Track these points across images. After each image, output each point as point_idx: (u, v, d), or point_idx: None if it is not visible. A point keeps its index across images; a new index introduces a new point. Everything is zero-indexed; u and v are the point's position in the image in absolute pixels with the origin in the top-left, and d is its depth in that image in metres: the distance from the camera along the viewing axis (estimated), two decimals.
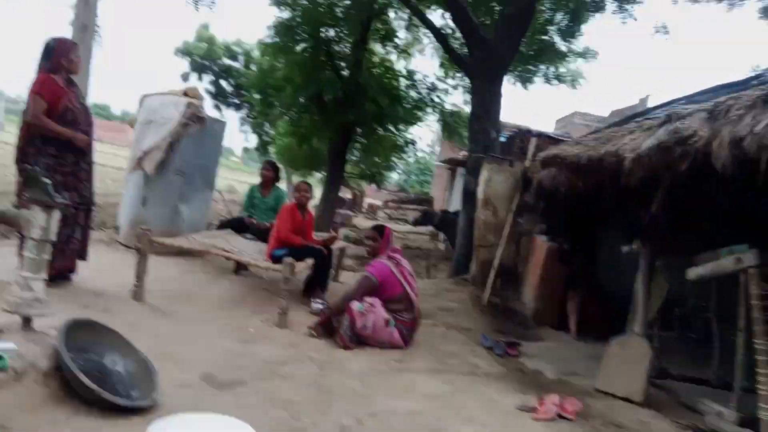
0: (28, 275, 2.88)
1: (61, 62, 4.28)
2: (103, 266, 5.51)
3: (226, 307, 5.16)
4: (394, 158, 18.18)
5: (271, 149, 26.12)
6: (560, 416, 3.76)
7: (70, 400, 2.71)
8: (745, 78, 6.02)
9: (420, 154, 25.59)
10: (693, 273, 4.10)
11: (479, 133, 8.55)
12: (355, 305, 4.61)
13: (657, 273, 4.91)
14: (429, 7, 11.39)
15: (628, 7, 11.20)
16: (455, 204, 14.79)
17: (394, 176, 35.01)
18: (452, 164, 18.84)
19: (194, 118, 6.25)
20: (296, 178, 20.00)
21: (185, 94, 6.45)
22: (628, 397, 4.34)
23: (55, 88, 4.22)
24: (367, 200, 27.62)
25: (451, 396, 3.93)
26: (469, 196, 8.36)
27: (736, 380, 3.92)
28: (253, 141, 26.52)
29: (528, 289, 6.85)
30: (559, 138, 17.10)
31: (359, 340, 4.65)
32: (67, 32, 10.00)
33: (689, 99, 6.03)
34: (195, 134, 6.41)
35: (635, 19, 11.44)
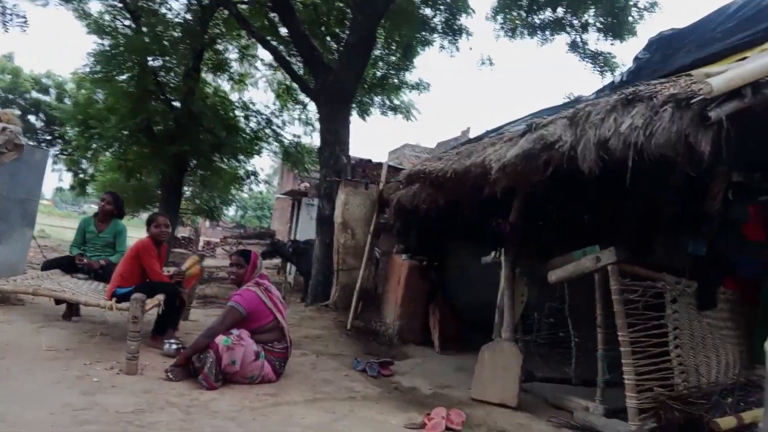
0: None
1: None
2: None
3: (60, 357, 4.37)
4: (234, 190, 17.52)
5: (90, 188, 23.80)
6: (448, 428, 3.70)
7: None
8: (563, 103, 6.75)
9: (256, 189, 24.97)
10: (554, 275, 4.34)
11: (330, 159, 8.59)
12: (221, 339, 4.16)
13: (517, 279, 5.15)
14: (267, 37, 11.26)
15: (455, 39, 12.08)
16: (301, 235, 14.60)
17: (230, 212, 33.86)
18: (294, 195, 18.64)
19: (10, 145, 5.34)
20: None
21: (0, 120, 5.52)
22: (503, 403, 4.44)
23: None
24: (203, 238, 26.18)
25: (335, 423, 3.68)
26: (323, 221, 8.27)
27: (600, 375, 4.18)
28: (67, 180, 23.91)
29: (390, 308, 6.84)
30: (398, 167, 17.92)
31: (225, 377, 4.20)
32: None
33: (516, 123, 6.59)
34: (11, 164, 5.48)
35: (458, 51, 12.43)
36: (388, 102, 14.56)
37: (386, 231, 7.28)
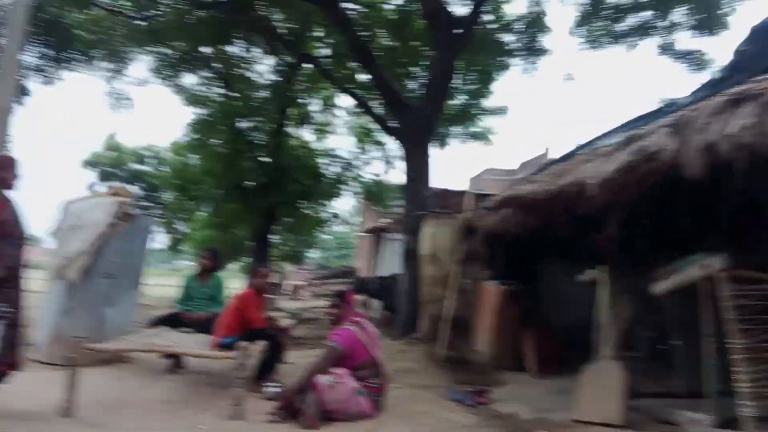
0: None
1: None
2: (22, 387, 4.88)
3: (170, 409, 4.67)
4: (317, 233, 18.15)
5: (185, 246, 25.28)
6: None
7: None
8: (657, 108, 6.49)
9: (338, 229, 25.68)
10: (659, 288, 4.20)
11: (414, 194, 8.91)
12: (323, 379, 4.31)
13: (617, 294, 4.99)
14: (347, 84, 11.85)
15: (534, 61, 12.02)
16: (384, 270, 14.80)
17: (313, 255, 34.74)
18: (376, 232, 18.98)
19: (123, 216, 5.91)
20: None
21: (114, 194, 6.13)
22: (607, 422, 4.28)
23: None
24: (289, 282, 26.99)
25: None
26: (409, 255, 8.41)
27: (709, 385, 3.96)
28: (162, 241, 25.58)
29: (481, 335, 6.78)
30: (480, 193, 17.85)
31: (327, 416, 4.33)
32: None
33: (608, 136, 6.46)
34: (123, 233, 6.03)
35: (537, 71, 12.33)
36: (466, 130, 14.69)
37: (473, 259, 7.27)
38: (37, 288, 6.44)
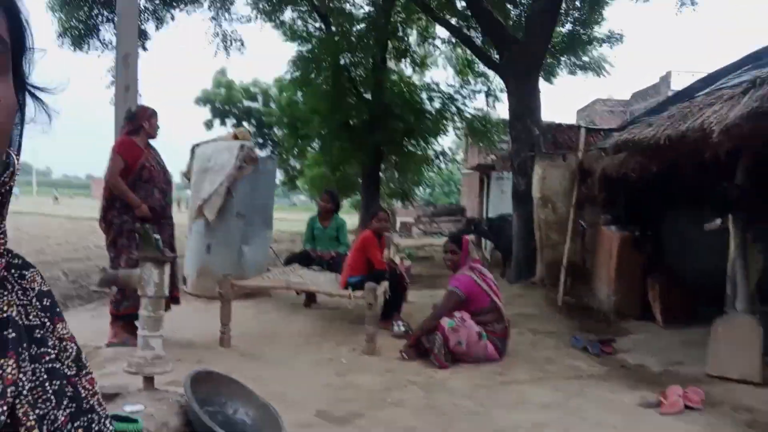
0: (147, 333, 2.86)
1: (141, 126, 4.55)
2: (179, 318, 5.50)
3: (311, 342, 5.11)
4: (425, 172, 18.18)
5: (298, 182, 26.35)
6: (687, 407, 3.61)
7: None
8: None
9: (445, 168, 25.45)
10: None
11: (522, 133, 8.39)
12: (446, 322, 4.51)
13: (750, 246, 4.72)
14: (446, 15, 11.41)
15: None
16: (492, 209, 14.61)
17: (420, 193, 34.95)
18: (482, 170, 18.64)
19: (248, 159, 6.29)
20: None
21: (235, 137, 6.51)
22: (744, 379, 4.15)
23: (134, 148, 4.49)
24: (399, 218, 27.48)
25: (566, 403, 3.79)
26: (520, 197, 8.25)
27: None
28: (277, 178, 26.77)
29: (602, 282, 6.66)
30: (591, 128, 16.94)
31: (453, 357, 4.55)
32: (108, 94, 10.30)
33: (731, 71, 5.90)
34: (250, 175, 6.44)
35: None
36: (576, 61, 13.78)
37: (590, 202, 7.04)
38: (183, 228, 7.11)
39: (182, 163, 7.25)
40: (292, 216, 29.32)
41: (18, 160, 0.55)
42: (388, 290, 5.49)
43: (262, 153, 25.73)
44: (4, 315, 0.52)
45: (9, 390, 0.48)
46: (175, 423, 2.75)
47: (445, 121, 15.72)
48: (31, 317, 0.58)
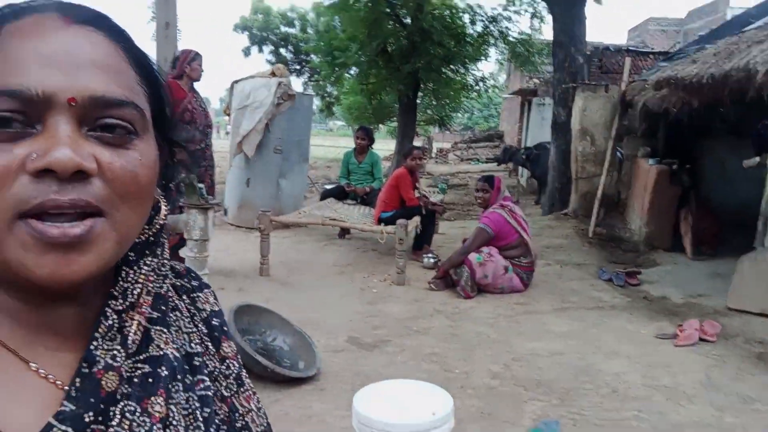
0: None
1: (183, 69, 4.70)
2: (221, 248, 5.86)
3: (344, 272, 5.40)
4: (464, 98, 17.86)
5: (335, 110, 26.27)
6: (701, 340, 3.75)
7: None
8: None
9: (485, 95, 24.79)
10: None
11: (564, 61, 8.16)
12: (474, 257, 4.69)
13: None
14: None
15: None
16: (531, 136, 14.39)
17: (459, 118, 34.39)
18: (523, 95, 18.17)
19: (285, 96, 6.41)
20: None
21: (273, 74, 6.61)
22: (763, 312, 4.24)
23: (178, 91, 4.64)
24: (436, 145, 27.32)
25: (584, 332, 3.99)
26: (559, 127, 8.15)
27: None
28: (314, 105, 26.69)
29: (635, 214, 6.68)
30: (642, 51, 16.14)
31: (479, 288, 4.77)
32: (149, 31, 10.40)
33: None
34: (287, 111, 6.59)
35: None
36: None
37: (630, 134, 6.94)
38: (222, 153, 7.35)
39: (221, 91, 7.37)
40: (328, 142, 29.50)
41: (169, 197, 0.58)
42: (420, 225, 5.69)
43: (299, 80, 25.78)
44: (162, 353, 0.53)
45: (155, 427, 0.49)
46: None
47: (486, 46, 15.26)
48: (193, 344, 0.59)
